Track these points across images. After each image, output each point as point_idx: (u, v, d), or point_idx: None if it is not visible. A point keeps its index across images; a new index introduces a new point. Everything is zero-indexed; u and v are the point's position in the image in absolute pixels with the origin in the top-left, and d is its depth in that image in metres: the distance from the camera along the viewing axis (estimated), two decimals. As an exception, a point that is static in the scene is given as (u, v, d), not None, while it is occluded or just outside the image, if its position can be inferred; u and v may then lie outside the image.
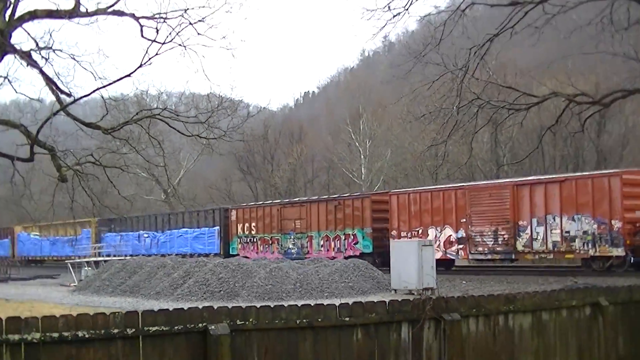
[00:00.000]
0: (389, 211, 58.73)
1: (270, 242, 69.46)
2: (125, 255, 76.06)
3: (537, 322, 14.26)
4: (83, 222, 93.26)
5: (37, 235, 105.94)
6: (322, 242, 64.24)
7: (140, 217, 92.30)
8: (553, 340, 14.48)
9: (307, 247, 65.78)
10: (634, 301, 15.95)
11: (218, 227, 76.72)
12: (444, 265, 54.49)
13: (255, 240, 71.82)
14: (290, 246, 67.60)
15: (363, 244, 60.04)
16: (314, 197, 74.22)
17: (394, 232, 57.64)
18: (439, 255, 51.99)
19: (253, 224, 72.59)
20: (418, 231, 55.93)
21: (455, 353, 12.90)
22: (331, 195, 71.53)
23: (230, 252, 73.52)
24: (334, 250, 62.60)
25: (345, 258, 55.84)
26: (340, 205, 62.75)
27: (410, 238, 54.66)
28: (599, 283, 33.36)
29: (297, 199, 76.37)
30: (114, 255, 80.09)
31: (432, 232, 55.34)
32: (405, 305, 12.76)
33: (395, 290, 44.10)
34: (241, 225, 74.10)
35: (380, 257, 56.99)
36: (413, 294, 40.04)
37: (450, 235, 54.46)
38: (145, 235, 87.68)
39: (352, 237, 61.40)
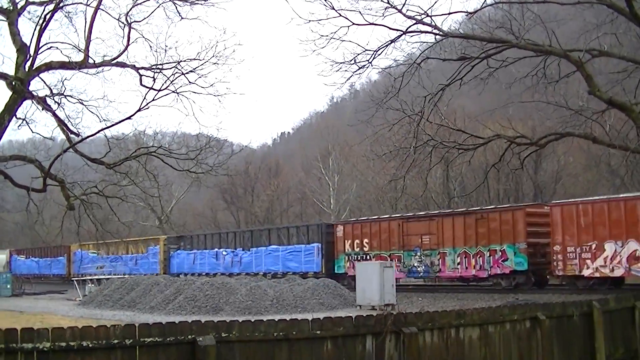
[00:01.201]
0: (550, 224, 47.80)
1: (388, 260, 55.07)
2: (124, 274, 74.72)
3: (484, 334, 14.24)
4: (149, 240, 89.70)
5: (94, 253, 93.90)
6: (458, 259, 53.32)
7: (216, 234, 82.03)
8: (498, 350, 14.47)
9: (438, 264, 54.73)
10: (567, 315, 16.00)
11: (319, 244, 64.59)
12: (616, 284, 45.77)
13: (368, 257, 58.98)
14: (416, 264, 56.43)
15: (515, 261, 49.40)
16: (446, 210, 62.02)
17: (556, 247, 46.96)
18: (620, 272, 43.86)
19: (365, 240, 60.89)
20: (590, 246, 45.23)
21: (414, 362, 12.85)
22: (469, 208, 59.07)
23: (336, 271, 62.65)
24: (475, 268, 52.24)
25: (491, 276, 51.58)
26: (484, 219, 52.18)
27: (579, 253, 45.36)
28: (537, 300, 33.45)
29: (423, 212, 63.69)
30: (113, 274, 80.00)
31: (609, 247, 44.62)
32: (369, 320, 12.71)
33: (360, 306, 44.20)
34: (349, 241, 62.03)
35: (536, 275, 50.34)
36: (375, 309, 40.08)
37: (635, 250, 43.47)
38: (224, 253, 75.79)
39: (499, 253, 50.64)
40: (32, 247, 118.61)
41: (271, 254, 69.22)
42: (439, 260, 54.47)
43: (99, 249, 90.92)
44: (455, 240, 53.72)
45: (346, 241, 62.24)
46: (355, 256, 60.57)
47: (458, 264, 53.19)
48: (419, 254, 56.02)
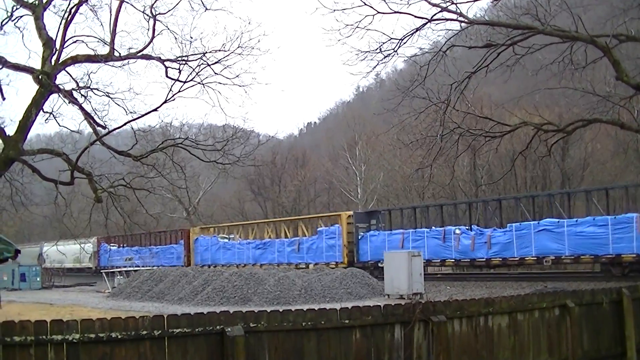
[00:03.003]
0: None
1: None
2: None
3: (513, 322, 14.20)
4: (324, 218, 74.13)
5: (225, 238, 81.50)
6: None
7: (419, 207, 64.27)
8: (527, 338, 14.43)
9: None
10: (596, 302, 15.91)
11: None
12: None
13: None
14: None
15: None
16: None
17: None
18: None
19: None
20: None
21: (442, 350, 12.83)
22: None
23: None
24: None
25: None
26: None
27: None
28: (566, 287, 33.29)
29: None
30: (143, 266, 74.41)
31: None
32: (397, 309, 12.70)
33: (388, 295, 44.11)
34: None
35: None
36: (404, 298, 40.01)
37: None
38: (457, 232, 55.89)
39: None
40: (128, 234, 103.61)
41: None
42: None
43: (236, 232, 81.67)
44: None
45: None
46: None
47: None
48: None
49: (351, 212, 66.42)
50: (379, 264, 54.78)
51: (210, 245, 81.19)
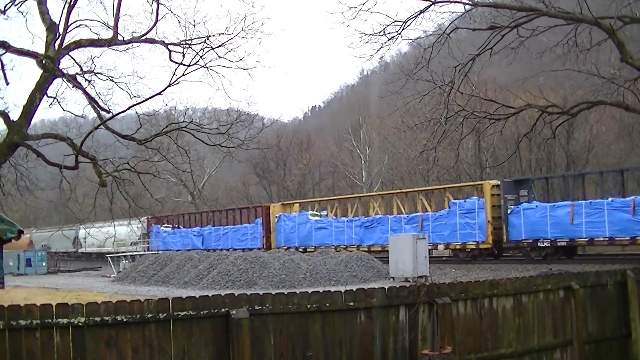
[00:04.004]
0: None
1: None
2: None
3: (517, 304, 14.23)
4: (457, 188, 64.82)
5: (316, 216, 69.89)
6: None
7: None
8: (532, 320, 14.46)
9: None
10: (601, 284, 15.92)
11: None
12: None
13: None
14: None
15: None
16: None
17: None
18: None
19: None
20: None
21: (447, 332, 12.87)
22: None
23: None
24: None
25: None
26: None
27: None
28: (570, 269, 33.33)
29: None
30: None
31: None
32: (402, 291, 12.73)
33: (393, 278, 44.20)
34: None
35: None
36: (409, 281, 40.06)
37: None
38: None
39: None
40: (184, 213, 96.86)
41: None
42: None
43: (330, 208, 70.61)
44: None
45: None
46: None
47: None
48: None
49: (497, 182, 54.96)
50: (540, 244, 49.37)
51: (299, 224, 69.94)
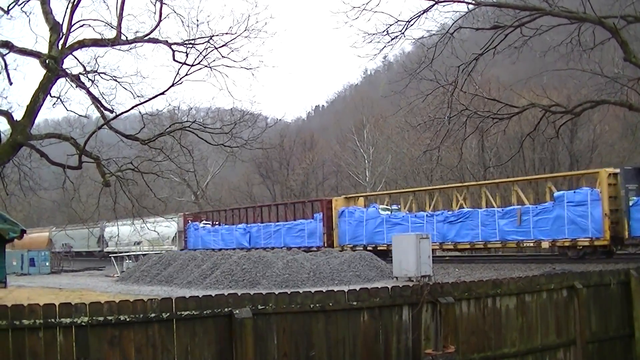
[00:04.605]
0: None
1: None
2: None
3: (520, 303, 14.24)
4: (562, 177, 61.68)
5: (387, 210, 62.37)
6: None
7: None
8: (535, 319, 14.47)
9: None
10: (604, 284, 15.91)
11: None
12: None
13: None
14: None
15: None
16: None
17: None
18: None
19: None
20: None
21: (450, 332, 12.88)
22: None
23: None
24: None
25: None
26: None
27: None
28: (574, 269, 33.33)
29: None
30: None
31: None
32: (405, 291, 12.75)
33: (396, 277, 44.22)
34: None
35: None
36: (412, 280, 40.10)
37: None
38: None
39: None
40: (226, 208, 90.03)
41: None
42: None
43: (403, 201, 63.70)
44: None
45: None
46: None
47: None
48: None
49: (616, 170, 47.99)
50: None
51: (367, 219, 62.11)
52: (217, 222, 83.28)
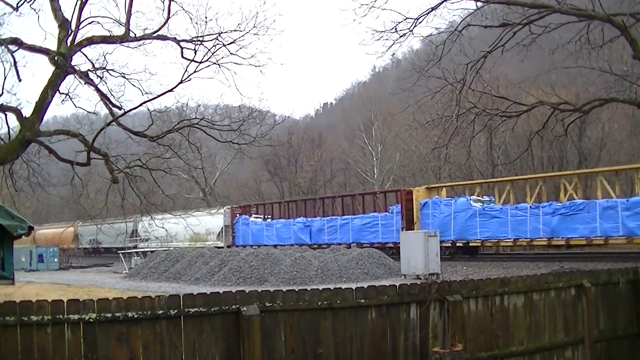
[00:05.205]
0: None
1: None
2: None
3: (529, 301, 14.20)
4: None
5: (479, 202, 55.68)
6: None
7: None
8: (543, 318, 14.42)
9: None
10: (612, 282, 15.86)
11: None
12: None
13: None
14: None
15: None
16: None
17: None
18: None
19: None
20: None
21: (458, 330, 12.85)
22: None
23: None
24: None
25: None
26: None
27: None
28: (582, 267, 33.29)
29: None
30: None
31: None
32: (413, 289, 12.73)
33: (404, 275, 44.17)
34: None
35: None
36: (420, 278, 40.06)
37: None
38: None
39: None
40: (280, 201, 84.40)
41: None
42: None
43: (497, 192, 56.75)
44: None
45: None
46: None
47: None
48: None
49: None
50: None
51: (456, 212, 55.64)
52: (268, 216, 77.26)
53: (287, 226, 70.92)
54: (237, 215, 78.17)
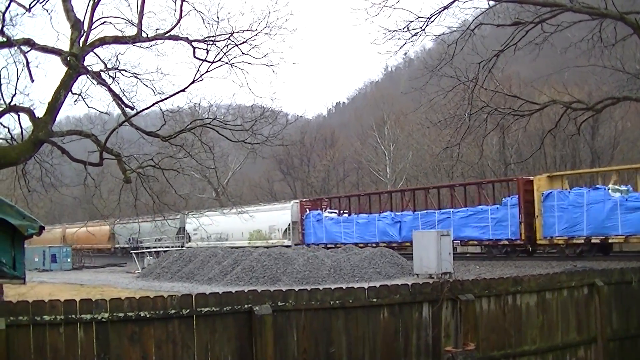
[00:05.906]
0: None
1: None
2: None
3: (541, 300, 14.20)
4: None
5: (618, 191, 47.57)
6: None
7: None
8: (555, 317, 14.42)
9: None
10: (625, 281, 15.83)
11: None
12: None
13: None
14: None
15: None
16: None
17: None
18: None
19: None
20: None
21: (470, 329, 12.86)
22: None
23: None
24: None
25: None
26: None
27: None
28: (595, 266, 33.21)
29: None
30: None
31: None
32: (426, 288, 12.75)
33: (417, 274, 44.11)
34: None
35: None
36: (433, 277, 40.03)
37: None
38: None
39: None
40: (358, 194, 78.24)
41: None
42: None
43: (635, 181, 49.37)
44: None
45: None
46: None
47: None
48: None
49: None
50: None
51: (589, 203, 48.05)
52: (345, 211, 70.48)
53: (370, 222, 63.77)
54: (307, 210, 71.14)
